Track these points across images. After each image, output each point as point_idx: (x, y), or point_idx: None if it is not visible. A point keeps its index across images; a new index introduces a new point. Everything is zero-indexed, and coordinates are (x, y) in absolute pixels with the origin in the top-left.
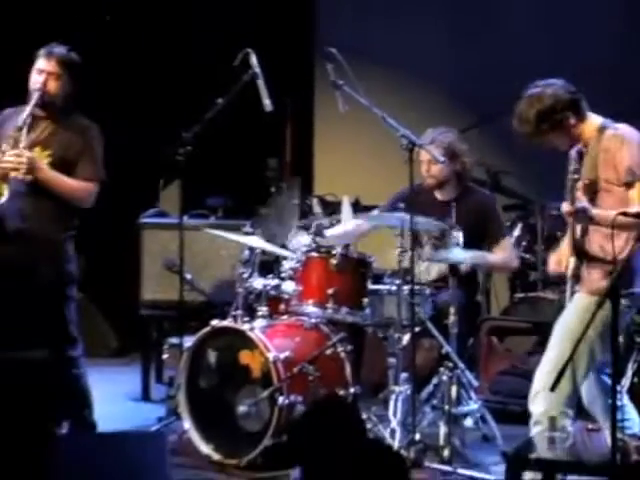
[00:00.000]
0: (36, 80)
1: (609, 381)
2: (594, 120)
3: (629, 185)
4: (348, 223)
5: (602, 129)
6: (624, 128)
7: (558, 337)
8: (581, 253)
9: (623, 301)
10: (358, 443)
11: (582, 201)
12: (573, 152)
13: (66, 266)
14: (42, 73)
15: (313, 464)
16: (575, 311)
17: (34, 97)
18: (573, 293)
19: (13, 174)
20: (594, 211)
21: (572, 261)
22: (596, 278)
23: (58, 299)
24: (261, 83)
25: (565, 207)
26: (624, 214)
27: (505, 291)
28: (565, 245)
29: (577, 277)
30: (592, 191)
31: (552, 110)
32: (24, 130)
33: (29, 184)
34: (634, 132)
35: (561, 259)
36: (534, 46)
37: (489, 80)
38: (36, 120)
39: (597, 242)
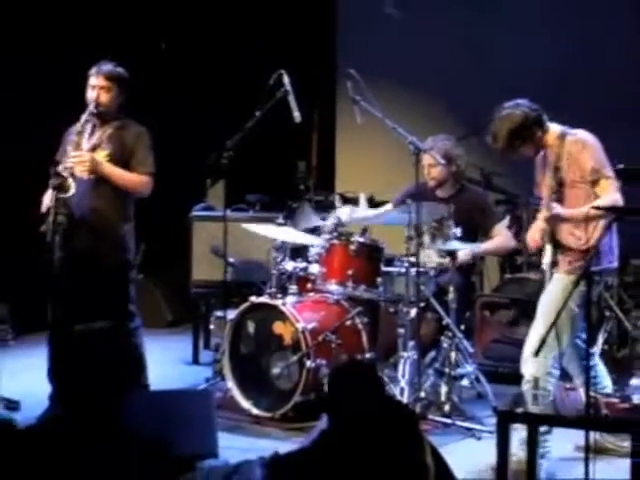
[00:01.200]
0: (90, 95)
1: (583, 345)
2: (554, 129)
3: (594, 182)
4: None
5: (562, 136)
6: (582, 133)
7: (542, 311)
8: (555, 241)
9: (595, 277)
10: (378, 397)
11: (556, 207)
12: (539, 158)
13: (126, 252)
14: (94, 88)
15: (340, 413)
16: (555, 289)
17: (87, 110)
18: (552, 274)
19: (78, 171)
20: (567, 213)
21: (548, 248)
22: (570, 260)
23: (120, 281)
24: (292, 99)
25: (543, 215)
26: (597, 208)
27: (496, 272)
28: (537, 224)
29: (555, 262)
30: (559, 190)
31: (522, 127)
32: (85, 133)
33: (93, 182)
34: (590, 136)
35: (534, 235)
36: (524, 70)
37: (484, 95)
38: (95, 127)
39: (568, 230)
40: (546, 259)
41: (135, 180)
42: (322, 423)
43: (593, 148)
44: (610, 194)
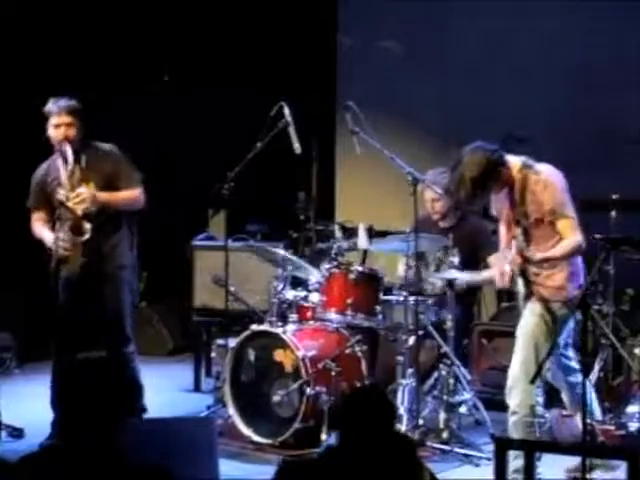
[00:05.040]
0: (56, 133)
1: (567, 362)
2: (514, 162)
3: (552, 223)
4: None
5: (524, 168)
6: (545, 172)
7: (522, 341)
8: (525, 277)
9: (569, 305)
10: (389, 424)
11: (532, 251)
12: (501, 193)
13: (128, 280)
14: (59, 127)
15: (351, 433)
16: (532, 317)
17: (66, 150)
18: (526, 302)
19: (81, 210)
20: (544, 256)
21: (520, 282)
22: (541, 292)
23: (118, 306)
24: (292, 130)
25: (514, 258)
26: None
27: (493, 300)
28: (497, 263)
29: (528, 294)
30: (524, 225)
31: (486, 172)
32: (63, 178)
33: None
34: (553, 174)
35: (505, 276)
36: (522, 103)
37: (482, 128)
38: (67, 164)
39: (536, 269)
40: (519, 288)
41: (130, 196)
42: (331, 439)
43: (554, 188)
44: (570, 235)
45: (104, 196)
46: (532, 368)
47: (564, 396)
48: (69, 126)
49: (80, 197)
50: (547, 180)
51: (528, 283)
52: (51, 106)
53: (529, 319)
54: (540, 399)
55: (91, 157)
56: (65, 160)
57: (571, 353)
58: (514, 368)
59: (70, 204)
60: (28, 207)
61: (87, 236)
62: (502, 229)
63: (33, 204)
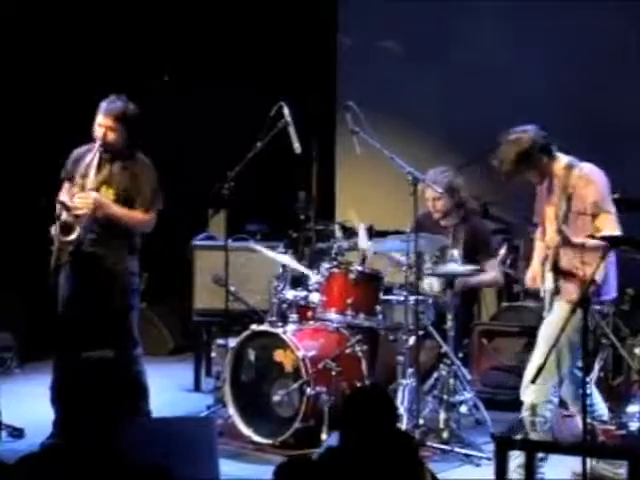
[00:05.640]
0: (97, 132)
1: (579, 374)
2: (562, 159)
3: (595, 216)
4: None
5: (569, 167)
6: (588, 168)
7: (542, 339)
8: (556, 268)
9: (596, 307)
10: (391, 424)
11: (566, 230)
12: (543, 187)
13: (131, 282)
14: (101, 127)
15: (353, 433)
16: (556, 318)
17: (96, 147)
18: (552, 301)
19: (82, 213)
20: (574, 239)
21: (549, 276)
22: (571, 289)
23: (124, 309)
24: (292, 130)
25: (550, 241)
26: (592, 236)
27: (493, 300)
28: (536, 264)
29: (556, 289)
30: (564, 219)
31: (529, 152)
32: (90, 174)
33: (98, 220)
34: (596, 170)
35: (535, 276)
36: (523, 101)
37: (482, 127)
38: (102, 162)
39: (569, 259)
40: (547, 285)
41: (138, 218)
42: (332, 439)
43: (597, 184)
44: (608, 228)
45: (112, 208)
46: (550, 369)
47: (571, 406)
48: (110, 130)
49: (85, 200)
50: (590, 176)
51: (558, 279)
52: (102, 104)
53: (554, 319)
54: (556, 399)
55: (125, 168)
56: (99, 159)
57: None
58: (531, 365)
59: (73, 200)
60: (61, 178)
61: (73, 237)
62: (538, 238)
63: (65, 175)
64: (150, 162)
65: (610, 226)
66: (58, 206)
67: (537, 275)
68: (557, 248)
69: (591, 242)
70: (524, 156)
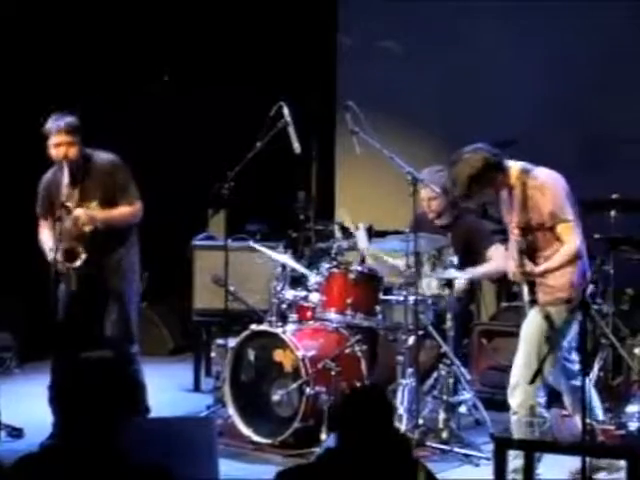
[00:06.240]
0: (58, 152)
1: (569, 365)
2: (513, 168)
3: (553, 227)
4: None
5: (523, 174)
6: (543, 176)
7: (525, 342)
8: (530, 281)
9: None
10: (387, 423)
11: (530, 265)
12: (504, 196)
13: (131, 280)
14: (61, 145)
15: (349, 434)
16: (532, 320)
17: (64, 166)
18: (530, 307)
19: (82, 231)
20: (540, 270)
21: (525, 288)
22: (545, 293)
23: (123, 307)
24: (292, 130)
25: (515, 271)
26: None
27: (493, 300)
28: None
29: (533, 300)
30: (527, 231)
31: (482, 172)
32: (73, 197)
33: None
34: (551, 176)
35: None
36: (520, 102)
37: (481, 127)
38: (72, 179)
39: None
40: (525, 297)
41: (128, 212)
42: (330, 440)
43: (553, 192)
44: (569, 237)
45: (101, 215)
46: (533, 369)
47: (566, 399)
48: (69, 145)
49: (78, 221)
50: (544, 184)
51: (532, 290)
52: (50, 125)
53: (532, 321)
54: (542, 400)
55: (92, 174)
56: (68, 178)
57: (574, 357)
58: (516, 369)
59: (69, 227)
60: (37, 214)
61: (80, 262)
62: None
63: (41, 212)
64: (112, 156)
65: (570, 234)
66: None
67: (515, 269)
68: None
69: (558, 260)
70: (477, 178)
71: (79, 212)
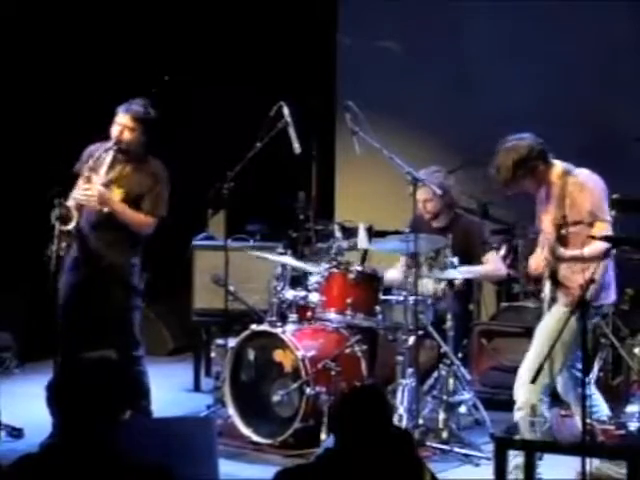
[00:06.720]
0: (114, 130)
1: (579, 374)
2: (558, 165)
3: (591, 224)
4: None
5: (565, 174)
6: (583, 175)
7: (538, 340)
8: (554, 278)
9: (593, 310)
10: (386, 422)
11: (559, 249)
12: (541, 194)
13: (133, 282)
14: (119, 125)
15: (348, 434)
16: (550, 320)
17: (111, 145)
18: (551, 305)
19: (85, 204)
20: (568, 254)
21: (547, 284)
22: (567, 294)
23: (126, 310)
24: (292, 130)
25: (545, 255)
26: (592, 237)
27: (493, 300)
28: (539, 252)
29: (553, 298)
30: (561, 228)
31: (526, 159)
32: (101, 171)
33: (104, 213)
34: (592, 177)
35: (539, 262)
36: (518, 104)
37: (480, 128)
38: (115, 162)
39: (566, 270)
40: (545, 294)
41: (139, 220)
42: (330, 441)
43: (592, 191)
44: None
45: (117, 205)
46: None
47: (574, 409)
48: (128, 130)
49: (89, 192)
50: (584, 183)
51: (555, 287)
52: (123, 105)
53: (549, 322)
54: (546, 399)
55: (136, 168)
56: (113, 157)
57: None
58: (526, 365)
59: (77, 193)
60: (74, 170)
61: (71, 227)
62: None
63: (76, 170)
64: (163, 168)
65: (605, 234)
66: (57, 202)
67: (539, 261)
68: (551, 261)
69: (587, 252)
70: (521, 163)
71: (98, 187)
